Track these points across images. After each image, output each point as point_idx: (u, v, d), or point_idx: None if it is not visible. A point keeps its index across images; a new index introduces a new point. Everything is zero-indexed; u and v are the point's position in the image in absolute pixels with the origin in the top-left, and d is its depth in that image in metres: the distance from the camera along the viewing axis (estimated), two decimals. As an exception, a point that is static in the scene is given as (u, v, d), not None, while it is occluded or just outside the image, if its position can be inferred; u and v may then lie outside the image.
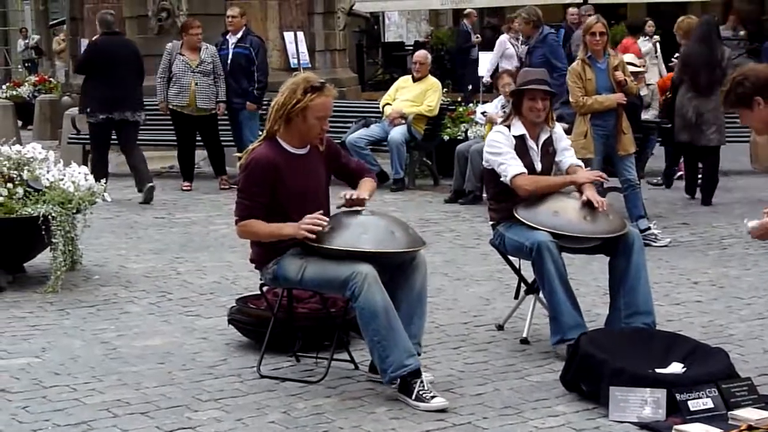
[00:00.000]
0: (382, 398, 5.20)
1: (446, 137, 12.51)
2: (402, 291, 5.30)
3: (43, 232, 7.32)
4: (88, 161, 11.74)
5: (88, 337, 6.37)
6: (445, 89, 13.37)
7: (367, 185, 5.55)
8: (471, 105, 13.14)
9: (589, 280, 7.45)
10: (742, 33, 21.04)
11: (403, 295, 5.29)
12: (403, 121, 12.03)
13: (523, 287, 6.40)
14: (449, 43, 23.48)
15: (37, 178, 7.62)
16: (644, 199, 9.50)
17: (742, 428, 4.66)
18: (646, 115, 11.67)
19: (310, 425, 4.87)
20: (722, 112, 10.24)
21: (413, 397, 5.06)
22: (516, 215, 5.99)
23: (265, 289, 5.75)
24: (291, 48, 14.89)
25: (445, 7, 24.73)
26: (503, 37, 15.85)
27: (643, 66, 12.48)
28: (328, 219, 5.28)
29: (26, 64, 29.57)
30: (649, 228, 9.02)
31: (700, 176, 11.19)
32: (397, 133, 11.93)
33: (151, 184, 11.25)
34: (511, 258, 6.36)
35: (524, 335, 6.14)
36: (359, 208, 5.39)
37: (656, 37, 15.84)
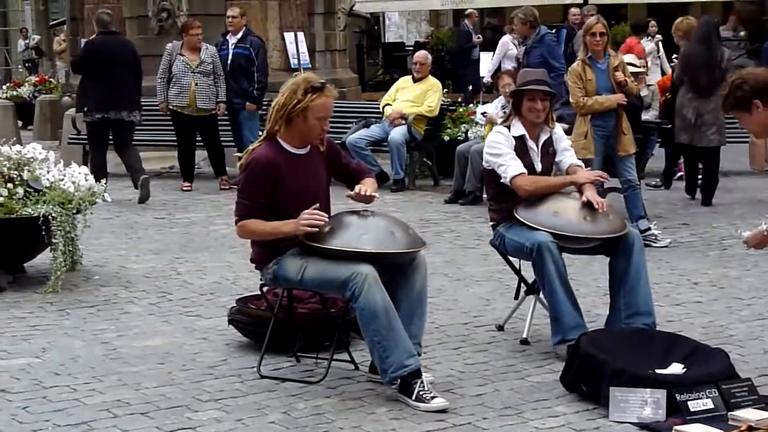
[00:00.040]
0: (382, 399, 5.19)
1: (446, 138, 12.52)
2: (402, 291, 5.30)
3: (43, 233, 7.32)
4: (88, 161, 11.73)
5: (88, 337, 6.37)
6: (445, 90, 13.35)
7: (370, 184, 5.54)
8: (471, 105, 13.14)
9: (589, 280, 7.45)
10: (742, 33, 21.06)
11: (403, 295, 5.29)
12: (404, 122, 12.02)
13: (524, 288, 6.40)
14: (449, 44, 23.46)
15: (38, 179, 7.62)
16: (644, 199, 9.50)
17: (742, 429, 4.66)
18: (646, 116, 11.66)
19: (310, 425, 4.87)
20: (722, 112, 10.23)
21: (413, 397, 5.06)
22: (516, 216, 5.99)
23: (265, 289, 5.75)
24: (291, 48, 14.89)
25: (446, 8, 24.72)
26: (506, 38, 15.85)
27: (645, 66, 12.48)
28: (324, 214, 5.28)
29: (26, 65, 29.56)
30: (649, 228, 9.02)
31: (700, 177, 11.19)
32: (398, 133, 11.92)
33: (145, 176, 11.22)
34: (511, 258, 6.36)
35: (524, 336, 6.14)
36: (366, 207, 5.40)
37: (658, 37, 15.83)
